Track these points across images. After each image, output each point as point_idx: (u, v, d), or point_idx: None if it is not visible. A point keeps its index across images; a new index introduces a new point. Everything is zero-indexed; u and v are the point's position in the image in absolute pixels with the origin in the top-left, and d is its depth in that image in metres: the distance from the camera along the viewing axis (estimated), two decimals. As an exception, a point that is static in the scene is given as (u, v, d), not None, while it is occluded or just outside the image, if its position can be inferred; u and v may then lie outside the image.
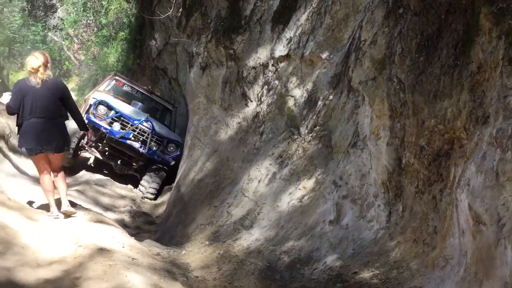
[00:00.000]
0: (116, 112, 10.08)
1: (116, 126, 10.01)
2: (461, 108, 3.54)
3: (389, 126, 4.48)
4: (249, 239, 5.98)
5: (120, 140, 10.00)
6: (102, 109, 9.96)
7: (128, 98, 11.34)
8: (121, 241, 5.12)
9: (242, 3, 7.80)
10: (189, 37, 9.71)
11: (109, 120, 9.96)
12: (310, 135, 6.22)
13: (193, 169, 8.32)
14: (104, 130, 9.87)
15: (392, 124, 4.44)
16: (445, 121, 3.71)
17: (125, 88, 11.64)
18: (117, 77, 11.93)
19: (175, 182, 9.41)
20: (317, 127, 6.15)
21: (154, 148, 10.34)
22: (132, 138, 10.10)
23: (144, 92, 11.75)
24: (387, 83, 4.47)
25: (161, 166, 10.63)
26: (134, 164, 10.64)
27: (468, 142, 3.52)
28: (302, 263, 5.02)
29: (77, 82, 35.41)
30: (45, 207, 5.63)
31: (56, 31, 24.48)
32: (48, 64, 5.16)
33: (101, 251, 4.58)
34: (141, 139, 10.16)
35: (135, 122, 10.13)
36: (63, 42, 35.24)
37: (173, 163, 10.58)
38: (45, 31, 22.05)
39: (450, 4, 3.72)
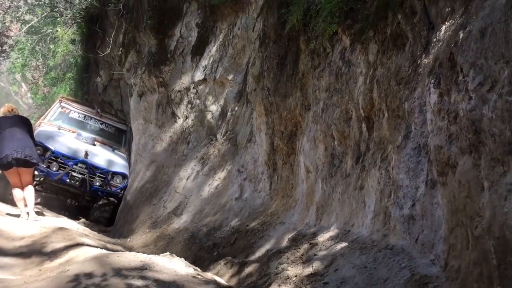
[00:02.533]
0: (53, 153, 9.53)
1: (54, 167, 9.55)
2: (297, 101, 5.44)
3: (265, 121, 6.34)
4: (179, 222, 7.64)
5: (59, 181, 9.63)
6: (39, 149, 8.78)
7: (76, 125, 10.86)
8: (76, 225, 6.68)
9: (168, 40, 9.65)
10: (128, 71, 11.43)
11: (46, 161, 9.41)
12: (223, 138, 8.02)
13: (136, 180, 9.92)
14: (41, 173, 9.40)
15: (267, 119, 6.30)
16: (291, 112, 5.59)
17: (72, 115, 11.12)
18: (62, 104, 11.40)
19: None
20: (228, 132, 7.97)
21: (97, 183, 9.86)
22: (70, 180, 9.64)
23: (93, 116, 11.28)
24: (261, 91, 6.35)
25: (109, 199, 10.29)
26: (81, 199, 10.35)
27: (302, 122, 5.40)
28: (215, 230, 6.72)
29: (27, 124, 35.84)
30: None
31: (2, 77, 25.53)
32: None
33: (60, 229, 6.13)
34: (80, 178, 9.68)
35: (70, 163, 9.62)
36: (11, 88, 35.86)
37: (121, 194, 10.19)
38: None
39: (289, 35, 5.65)
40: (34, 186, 9.20)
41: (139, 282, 3.15)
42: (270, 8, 6.25)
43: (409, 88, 3.35)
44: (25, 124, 6.81)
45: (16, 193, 6.80)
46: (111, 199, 10.29)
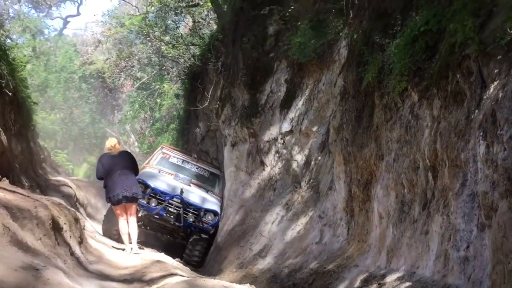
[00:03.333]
0: (152, 189, 10.31)
1: (153, 203, 10.35)
2: (372, 152, 5.85)
3: (344, 170, 6.78)
4: (264, 263, 8.15)
5: (156, 216, 10.37)
6: (141, 187, 9.61)
7: (174, 169, 11.76)
8: (171, 260, 7.46)
9: (259, 95, 10.53)
10: (223, 123, 12.47)
11: (147, 197, 10.20)
12: (306, 186, 8.52)
13: (226, 223, 10.66)
14: (141, 207, 10.00)
15: (345, 168, 6.74)
16: (366, 161, 6.00)
17: (171, 160, 12.14)
18: (164, 150, 12.54)
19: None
20: (311, 180, 8.47)
21: (191, 219, 10.54)
22: (166, 214, 10.38)
23: (190, 161, 12.20)
24: (341, 142, 6.83)
25: (201, 235, 10.73)
26: (176, 235, 11.03)
27: (377, 171, 5.78)
28: (296, 271, 7.13)
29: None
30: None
31: (114, 127, 28.46)
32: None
33: (158, 261, 6.93)
34: (175, 213, 10.43)
35: (166, 198, 10.39)
36: (121, 137, 39.39)
37: (212, 231, 10.76)
38: (109, 126, 25.86)
39: (365, 91, 6.14)
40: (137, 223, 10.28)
41: (219, 301, 3.71)
42: (350, 66, 6.82)
43: (465, 140, 3.69)
44: (131, 162, 7.77)
45: (122, 226, 7.76)
46: (203, 235, 10.74)
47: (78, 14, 34.96)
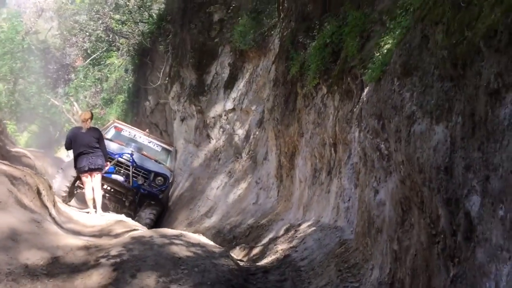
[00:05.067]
0: None
1: None
2: (295, 130, 7.39)
3: (275, 144, 8.31)
4: (209, 222, 9.66)
5: (104, 175, 9.73)
6: None
7: (127, 141, 11.72)
8: (131, 221, 8.79)
9: (205, 76, 11.84)
10: (172, 99, 13.69)
11: None
12: (246, 156, 10.03)
13: (176, 189, 12.05)
14: None
15: (276, 142, 8.27)
16: (291, 137, 7.54)
17: (124, 133, 12.09)
18: (116, 124, 12.58)
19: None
20: (250, 152, 9.98)
21: (140, 181, 10.54)
22: (115, 174, 10.28)
23: (142, 135, 12.28)
24: (273, 121, 8.33)
25: (154, 202, 10.79)
26: (124, 200, 10.87)
27: (298, 146, 7.34)
28: (236, 227, 8.68)
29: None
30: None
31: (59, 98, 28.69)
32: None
33: (120, 221, 8.24)
34: (125, 173, 10.38)
35: (116, 156, 10.29)
36: (63, 106, 38.83)
37: (161, 196, 10.87)
38: (56, 97, 26.17)
39: (291, 81, 7.63)
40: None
41: (176, 241, 5.13)
42: (280, 59, 8.27)
43: (350, 126, 5.25)
44: (98, 139, 8.70)
45: (88, 192, 8.90)
46: (153, 202, 10.75)
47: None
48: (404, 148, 3.02)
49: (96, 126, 10.63)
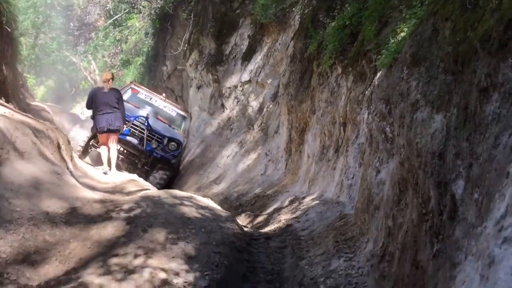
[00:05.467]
0: None
1: None
2: (308, 107, 7.60)
3: (287, 119, 8.54)
4: (218, 188, 10.00)
5: (120, 137, 9.66)
6: None
7: (142, 104, 11.70)
8: (143, 180, 9.15)
9: (224, 46, 12.00)
10: (190, 66, 13.90)
11: None
12: (258, 128, 10.28)
13: (188, 154, 12.38)
14: None
15: (288, 117, 8.49)
16: (303, 113, 7.76)
17: (140, 96, 12.02)
18: (133, 86, 12.40)
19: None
20: (262, 124, 10.23)
21: (153, 145, 10.60)
22: (130, 135, 10.33)
23: (158, 99, 12.17)
24: (287, 96, 8.54)
25: (166, 166, 10.80)
26: (137, 162, 10.90)
27: (310, 122, 7.57)
28: (243, 195, 9.01)
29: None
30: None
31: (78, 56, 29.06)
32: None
33: (133, 180, 8.59)
34: (140, 136, 10.42)
35: (131, 118, 10.28)
36: (81, 63, 39.11)
37: (173, 161, 10.88)
38: (76, 55, 26.50)
39: (308, 58, 7.80)
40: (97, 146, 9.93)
41: (186, 202, 5.45)
42: (299, 36, 8.42)
43: (360, 107, 5.46)
44: (118, 100, 8.90)
45: (103, 151, 9.23)
46: (165, 167, 10.75)
47: None
48: (406, 132, 3.24)
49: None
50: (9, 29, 9.00)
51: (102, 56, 29.26)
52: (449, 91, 2.67)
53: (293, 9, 9.81)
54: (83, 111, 34.84)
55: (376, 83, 4.74)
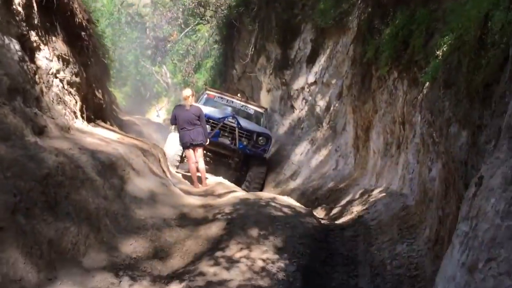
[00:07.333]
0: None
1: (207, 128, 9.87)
2: (370, 107, 8.40)
3: (352, 117, 9.37)
4: (294, 184, 11.03)
5: (211, 139, 10.08)
6: None
7: (221, 106, 12.10)
8: (228, 182, 10.37)
9: (289, 51, 12.94)
10: (259, 70, 14.98)
11: None
12: (327, 126, 11.17)
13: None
14: None
15: (353, 116, 9.32)
16: (367, 113, 8.57)
17: (216, 99, 12.41)
18: (207, 91, 12.75)
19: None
20: (330, 122, 11.10)
21: (245, 142, 10.78)
22: (221, 136, 10.65)
23: (234, 100, 12.46)
24: (350, 97, 9.37)
25: (260, 162, 11.05)
26: (230, 161, 11.17)
27: (373, 121, 8.37)
28: (318, 190, 9.97)
29: (166, 102, 40.92)
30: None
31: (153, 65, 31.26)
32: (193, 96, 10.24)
33: (220, 183, 9.82)
34: (230, 136, 10.71)
35: (221, 119, 10.62)
36: (153, 68, 41.19)
37: (265, 155, 11.12)
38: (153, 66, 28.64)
39: (367, 63, 8.57)
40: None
41: (271, 203, 6.53)
42: (358, 41, 9.19)
43: (415, 110, 6.24)
44: (198, 117, 10.02)
45: (192, 168, 10.12)
46: (262, 167, 11.08)
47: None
48: (444, 142, 4.08)
49: (198, 105, 10.60)
50: (105, 61, 10.48)
51: (171, 60, 31.06)
52: (469, 113, 3.50)
53: (351, 12, 10.55)
54: (158, 114, 37.21)
55: (425, 92, 5.52)
